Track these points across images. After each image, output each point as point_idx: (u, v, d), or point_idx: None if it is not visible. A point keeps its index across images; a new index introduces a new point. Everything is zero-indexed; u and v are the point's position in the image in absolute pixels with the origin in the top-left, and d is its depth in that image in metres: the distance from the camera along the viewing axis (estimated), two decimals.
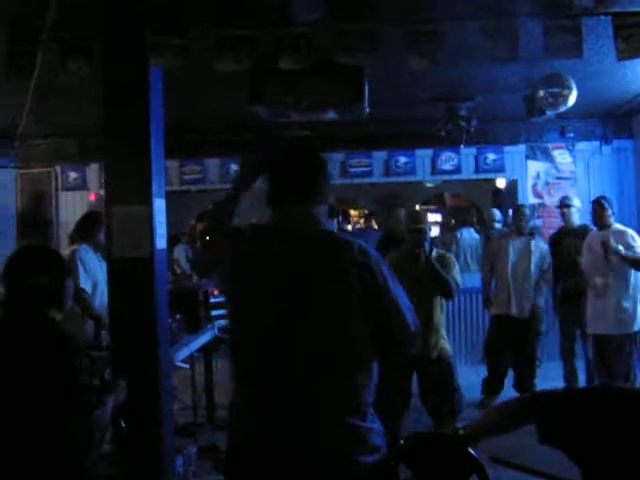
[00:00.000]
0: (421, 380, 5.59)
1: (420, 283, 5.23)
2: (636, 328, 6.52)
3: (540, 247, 7.49)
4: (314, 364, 2.42)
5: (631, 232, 6.58)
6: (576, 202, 7.57)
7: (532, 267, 7.30)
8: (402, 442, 2.44)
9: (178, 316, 5.56)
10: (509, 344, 7.40)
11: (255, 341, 2.52)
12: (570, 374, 7.41)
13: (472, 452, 2.29)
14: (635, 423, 1.98)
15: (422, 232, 5.42)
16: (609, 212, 6.64)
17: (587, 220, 7.47)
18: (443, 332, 5.55)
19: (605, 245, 6.45)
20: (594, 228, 7.24)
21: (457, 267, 5.58)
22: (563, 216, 7.60)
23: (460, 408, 5.58)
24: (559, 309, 7.57)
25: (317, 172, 2.67)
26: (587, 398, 2.25)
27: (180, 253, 10.63)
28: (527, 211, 7.81)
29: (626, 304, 6.46)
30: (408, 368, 5.42)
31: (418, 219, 5.61)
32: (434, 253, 5.49)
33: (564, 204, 7.56)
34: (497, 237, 8.21)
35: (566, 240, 7.44)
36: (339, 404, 2.44)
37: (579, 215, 7.60)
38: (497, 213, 9.40)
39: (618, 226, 6.71)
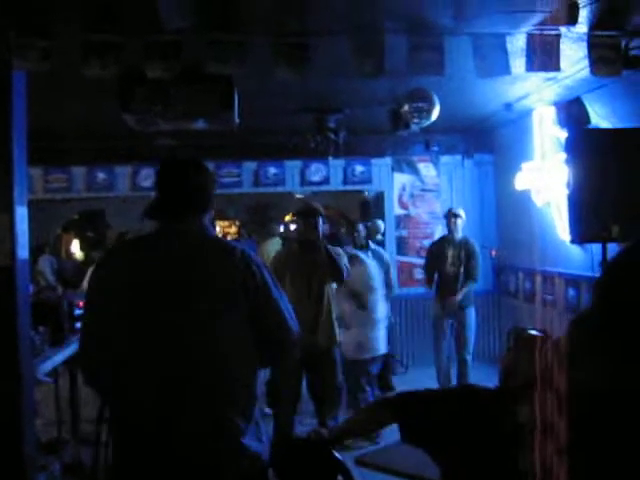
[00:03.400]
0: (309, 371, 5.81)
1: (312, 273, 5.68)
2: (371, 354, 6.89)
3: (378, 256, 7.77)
4: (197, 369, 2.45)
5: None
6: (462, 213, 7.86)
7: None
8: (269, 448, 2.48)
9: (41, 328, 5.38)
10: None
11: (135, 348, 2.50)
12: (443, 377, 7.78)
13: (336, 455, 2.34)
14: (490, 421, 2.08)
15: (315, 219, 5.72)
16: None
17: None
18: (334, 322, 5.82)
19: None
20: (474, 240, 7.66)
21: (345, 258, 5.92)
22: (449, 226, 7.88)
23: (339, 402, 5.80)
24: (437, 316, 7.85)
25: (205, 185, 2.74)
26: (446, 399, 2.35)
27: (45, 264, 10.29)
28: (361, 227, 7.95)
29: (364, 331, 6.80)
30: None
31: (309, 210, 5.87)
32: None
33: (452, 214, 7.84)
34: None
35: (450, 249, 7.74)
36: (223, 408, 2.47)
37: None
38: (381, 224, 9.20)
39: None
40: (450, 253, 7.72)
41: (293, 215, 5.90)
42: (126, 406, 2.54)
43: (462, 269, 7.64)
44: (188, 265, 2.54)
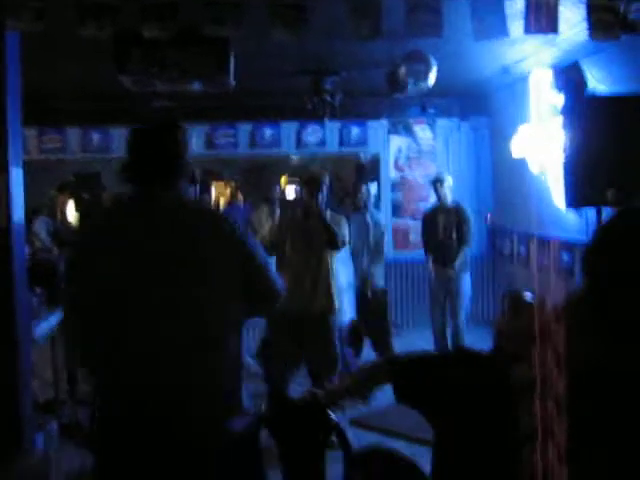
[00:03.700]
0: (306, 337, 5.82)
1: (312, 239, 5.73)
2: None
3: (375, 219, 7.73)
4: (187, 331, 2.46)
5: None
6: (448, 179, 7.82)
7: (370, 240, 7.56)
8: (263, 408, 2.51)
9: (38, 290, 5.40)
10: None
11: (119, 320, 2.50)
12: (440, 342, 7.83)
13: (332, 415, 2.37)
14: (483, 385, 2.10)
15: (317, 187, 5.77)
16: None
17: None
18: (332, 289, 5.82)
19: None
20: (465, 206, 7.64)
21: (346, 228, 5.93)
22: (437, 193, 7.82)
23: (336, 368, 5.82)
24: (432, 283, 7.89)
25: (180, 149, 2.70)
26: (441, 361, 2.37)
27: (41, 226, 10.27)
28: (365, 189, 7.85)
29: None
30: (294, 328, 5.69)
31: (311, 177, 5.98)
32: (328, 213, 5.81)
33: (438, 180, 7.80)
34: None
35: (441, 217, 7.72)
36: (212, 370, 2.49)
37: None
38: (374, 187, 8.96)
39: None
40: (442, 221, 7.71)
41: (289, 179, 5.95)
42: (110, 378, 2.55)
43: (455, 236, 7.63)
44: (173, 233, 2.51)
